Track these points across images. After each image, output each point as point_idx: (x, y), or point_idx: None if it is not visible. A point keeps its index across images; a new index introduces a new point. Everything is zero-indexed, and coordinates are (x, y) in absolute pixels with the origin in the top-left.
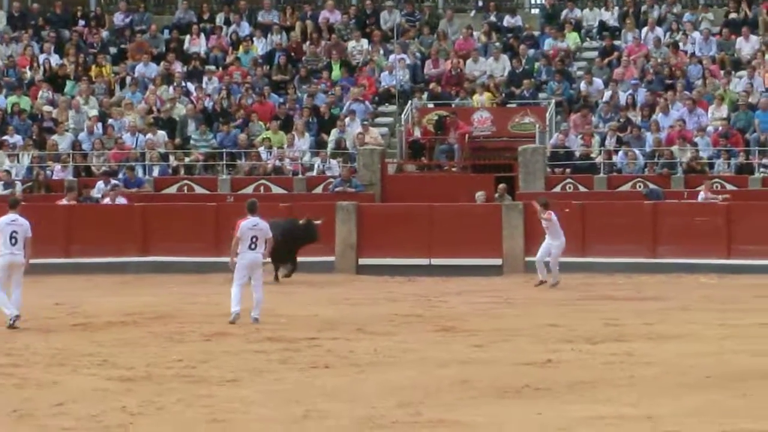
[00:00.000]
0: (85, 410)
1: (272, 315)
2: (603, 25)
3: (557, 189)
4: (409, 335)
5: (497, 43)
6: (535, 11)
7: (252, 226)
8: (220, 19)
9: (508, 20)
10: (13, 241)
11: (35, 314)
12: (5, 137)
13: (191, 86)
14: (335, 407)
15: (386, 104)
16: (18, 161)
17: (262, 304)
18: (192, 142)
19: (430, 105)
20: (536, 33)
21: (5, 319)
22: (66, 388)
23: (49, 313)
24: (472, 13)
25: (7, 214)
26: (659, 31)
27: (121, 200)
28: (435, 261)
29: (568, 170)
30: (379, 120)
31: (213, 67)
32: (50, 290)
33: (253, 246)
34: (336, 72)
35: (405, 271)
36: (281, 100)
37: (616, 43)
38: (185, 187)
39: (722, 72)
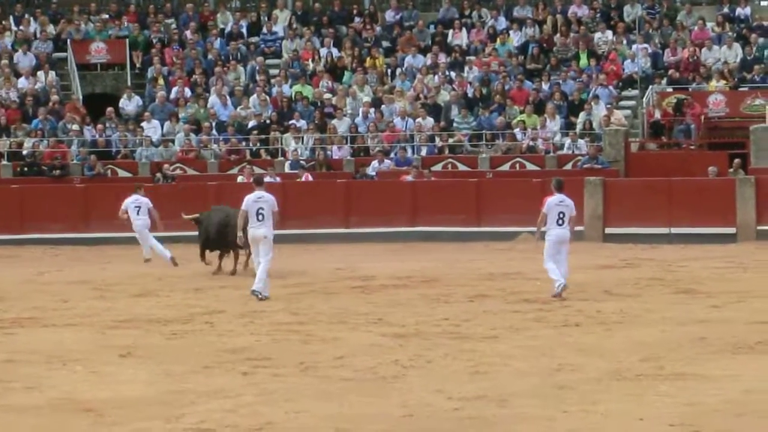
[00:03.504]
0: (363, 363)
1: (528, 278)
2: None
3: None
4: (651, 297)
5: (730, 33)
6: (765, 3)
7: (257, 198)
8: (479, 14)
9: (740, 11)
10: (260, 217)
11: (320, 277)
12: (292, 122)
13: (454, 75)
14: (585, 361)
15: (629, 89)
16: (302, 143)
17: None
18: (455, 124)
19: (669, 89)
20: (766, 23)
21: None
22: (346, 343)
23: (331, 276)
24: (706, 5)
25: (254, 191)
26: None
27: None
28: (674, 230)
29: None
30: (622, 103)
31: (473, 58)
32: (332, 257)
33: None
34: (583, 60)
35: (647, 240)
36: (534, 86)
37: None
38: (449, 165)
39: None
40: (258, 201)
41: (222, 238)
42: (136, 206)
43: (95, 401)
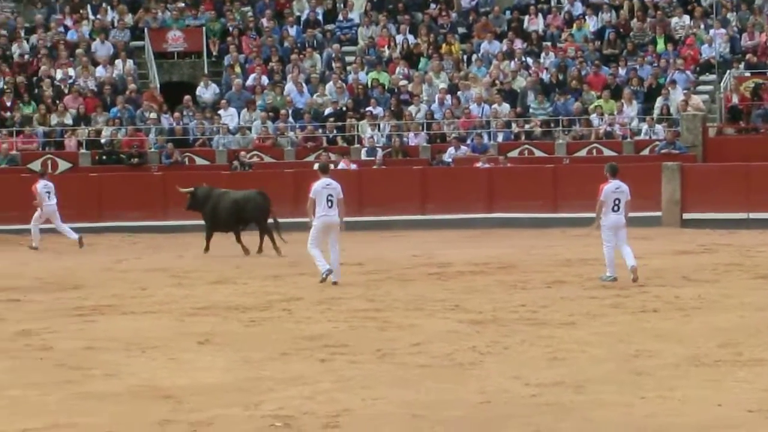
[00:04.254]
0: (440, 349)
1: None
2: None
3: None
4: (729, 282)
5: None
6: None
7: (326, 185)
8: (555, 0)
9: None
10: (329, 203)
11: (396, 264)
12: (368, 109)
13: (530, 61)
14: (662, 347)
15: (707, 74)
16: (379, 130)
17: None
18: (531, 110)
19: (747, 74)
20: None
21: (319, 272)
22: (422, 330)
23: (407, 263)
24: None
25: (321, 179)
26: None
27: (343, 165)
28: (753, 215)
29: None
30: (700, 88)
31: (549, 43)
32: (408, 244)
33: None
34: (660, 45)
35: (725, 225)
36: (611, 71)
37: None
38: (525, 151)
39: None
40: (327, 188)
41: (244, 216)
42: (46, 191)
43: (174, 388)
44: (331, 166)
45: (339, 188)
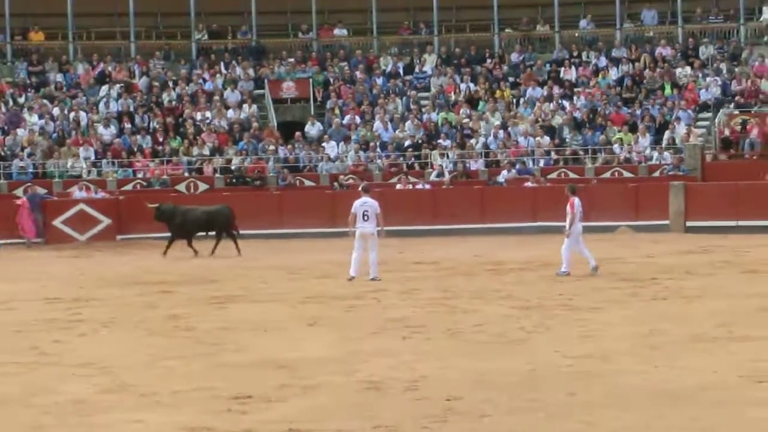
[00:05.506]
0: (496, 329)
1: (625, 262)
2: None
3: None
4: (723, 276)
5: None
6: None
7: (363, 203)
8: (585, 55)
9: None
10: (365, 217)
11: (462, 262)
12: (439, 141)
13: (565, 103)
14: (671, 327)
15: (704, 112)
16: (447, 157)
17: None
18: (566, 141)
19: (736, 112)
20: None
21: (347, 276)
22: (482, 314)
23: (471, 261)
24: (764, 45)
25: (361, 197)
26: None
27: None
28: (741, 223)
29: None
30: (699, 123)
31: (580, 89)
32: (471, 247)
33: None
34: (667, 90)
35: (720, 230)
36: (629, 110)
37: None
38: (562, 174)
39: None
40: (363, 205)
41: (208, 227)
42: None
43: (289, 360)
44: (419, 186)
45: (375, 205)
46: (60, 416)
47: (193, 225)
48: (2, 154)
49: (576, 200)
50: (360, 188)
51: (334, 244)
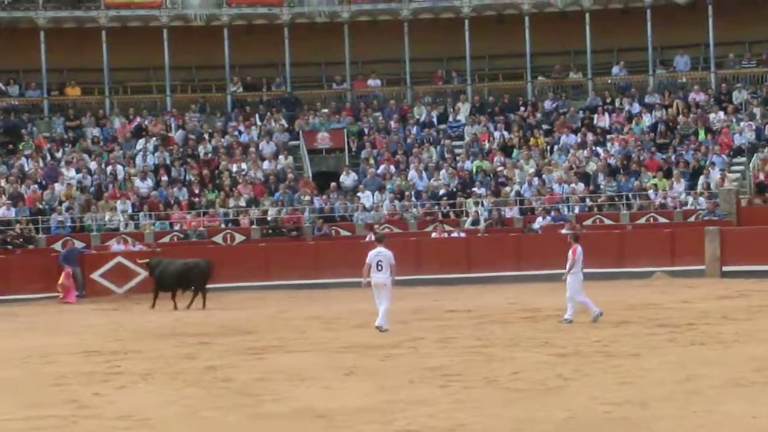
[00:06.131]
0: (533, 377)
1: (663, 308)
2: None
3: None
4: (761, 320)
5: None
6: None
7: (377, 253)
8: (618, 102)
9: None
10: (379, 267)
11: (497, 310)
12: (473, 189)
13: (599, 149)
14: (709, 372)
15: (738, 156)
16: (482, 205)
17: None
18: (601, 188)
19: None
20: None
21: (378, 324)
22: (519, 362)
23: (507, 309)
24: None
25: (376, 248)
26: None
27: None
28: None
29: None
30: (733, 168)
31: (614, 135)
32: (507, 294)
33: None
34: (701, 135)
35: (756, 275)
36: (663, 156)
37: None
38: (597, 220)
39: None
40: (377, 255)
41: (185, 280)
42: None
43: (327, 409)
44: (454, 234)
45: (390, 255)
46: None
47: (170, 277)
48: (41, 208)
49: (578, 248)
50: (374, 238)
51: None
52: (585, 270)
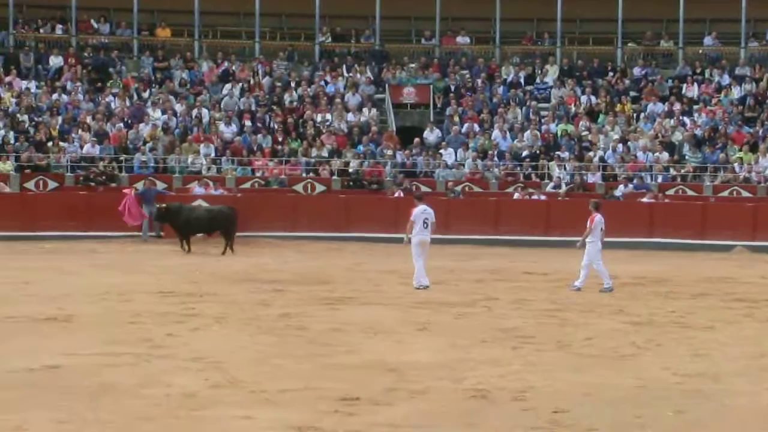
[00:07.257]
0: (606, 343)
1: (740, 282)
2: None
3: None
4: None
5: None
6: None
7: (423, 210)
8: (708, 72)
9: None
10: (425, 225)
11: (574, 275)
12: (557, 152)
13: (686, 119)
14: None
15: None
16: (565, 169)
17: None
18: (686, 158)
19: None
20: None
21: (415, 284)
22: (593, 328)
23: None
24: None
25: (419, 206)
26: None
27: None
28: None
29: None
30: None
31: (701, 106)
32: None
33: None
34: None
35: None
36: (751, 130)
37: None
38: (680, 190)
39: None
40: (424, 213)
41: (210, 225)
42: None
43: (398, 363)
44: (534, 197)
45: (433, 213)
46: (169, 409)
47: (197, 221)
48: (125, 146)
49: (598, 216)
50: (414, 196)
51: (445, 250)
52: (666, 240)
